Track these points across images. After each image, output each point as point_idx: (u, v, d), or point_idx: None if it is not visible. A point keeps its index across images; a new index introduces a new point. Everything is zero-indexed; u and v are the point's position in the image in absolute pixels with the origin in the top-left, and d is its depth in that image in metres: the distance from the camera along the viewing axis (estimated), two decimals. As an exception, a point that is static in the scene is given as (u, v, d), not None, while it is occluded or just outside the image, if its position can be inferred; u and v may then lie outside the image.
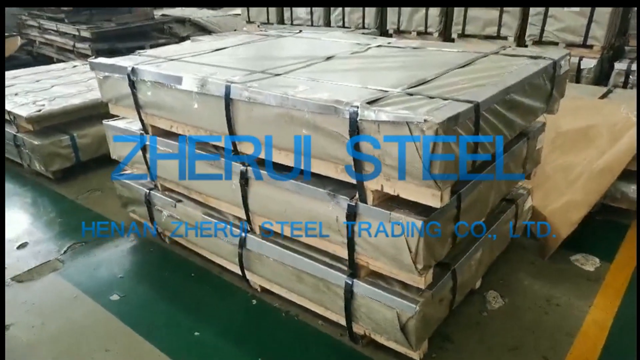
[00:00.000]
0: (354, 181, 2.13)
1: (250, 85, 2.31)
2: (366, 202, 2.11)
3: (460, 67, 2.49)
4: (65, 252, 3.42)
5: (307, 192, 2.32)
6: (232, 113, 2.40)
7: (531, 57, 2.61)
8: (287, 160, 2.34)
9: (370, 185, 2.06)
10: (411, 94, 2.06)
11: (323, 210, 2.29)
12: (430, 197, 1.89)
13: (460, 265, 2.42)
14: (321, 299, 2.53)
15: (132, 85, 2.88)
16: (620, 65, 4.89)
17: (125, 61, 2.97)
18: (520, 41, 5.58)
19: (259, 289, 2.93)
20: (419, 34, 6.26)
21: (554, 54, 2.66)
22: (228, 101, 2.38)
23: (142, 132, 3.12)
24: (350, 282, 2.33)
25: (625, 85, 4.90)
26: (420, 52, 2.91)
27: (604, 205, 3.46)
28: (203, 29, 9.34)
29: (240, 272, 2.91)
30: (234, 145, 2.51)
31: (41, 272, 3.22)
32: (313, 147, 2.16)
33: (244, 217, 2.73)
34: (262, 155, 2.45)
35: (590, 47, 5.06)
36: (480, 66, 2.49)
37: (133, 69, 2.83)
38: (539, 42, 5.35)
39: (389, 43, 3.24)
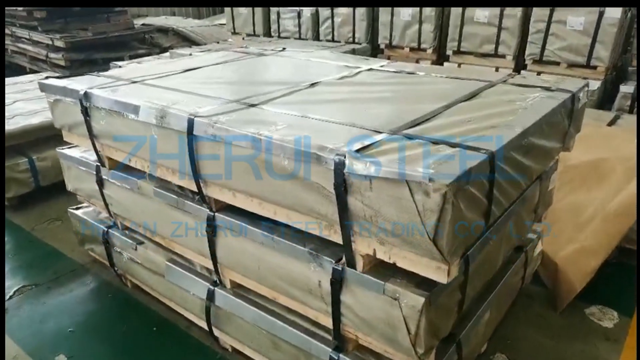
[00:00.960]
0: (336, 240, 1.76)
1: (217, 120, 1.92)
2: (355, 268, 1.73)
3: (465, 100, 2.13)
4: (11, 297, 2.99)
5: (284, 248, 1.94)
6: (196, 152, 2.02)
7: (545, 88, 2.26)
8: (260, 209, 1.96)
9: (361, 248, 1.68)
10: (410, 137, 1.69)
11: (303, 271, 1.90)
12: (435, 271, 1.52)
13: (466, 333, 2.04)
14: (301, 370, 2.14)
15: (85, 111, 2.48)
16: (625, 88, 4.60)
17: (78, 84, 2.57)
18: (519, 60, 5.29)
19: (230, 349, 2.53)
20: (412, 49, 5.95)
21: (570, 84, 2.31)
22: (191, 138, 1.99)
23: (98, 163, 2.72)
24: (336, 358, 1.94)
25: (631, 109, 4.61)
26: (417, 78, 2.55)
27: (619, 247, 3.12)
28: (187, 40, 8.95)
29: (208, 329, 2.51)
30: (199, 188, 2.12)
31: (-20, 322, 2.79)
32: (291, 199, 1.78)
33: (212, 267, 2.34)
34: (231, 202, 2.07)
35: (594, 67, 4.77)
36: (487, 100, 2.14)
37: (86, 94, 2.43)
38: (540, 61, 5.06)
39: (382, 66, 2.88)
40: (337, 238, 1.74)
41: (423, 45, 5.83)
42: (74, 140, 2.80)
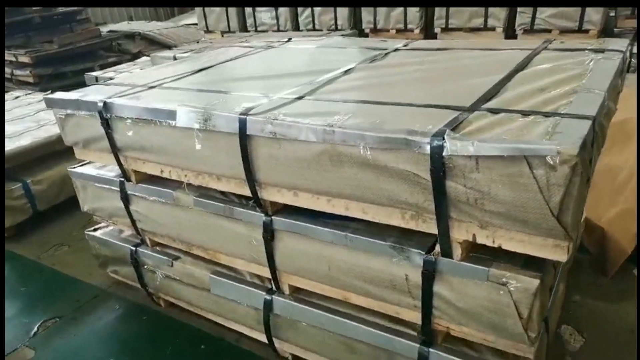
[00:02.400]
0: (424, 229, 1.65)
1: (274, 116, 1.77)
2: (451, 257, 1.63)
3: (520, 70, 2.04)
4: (35, 334, 2.76)
5: (361, 245, 1.81)
6: (251, 153, 1.86)
7: (595, 50, 2.20)
8: (329, 207, 1.83)
9: (458, 235, 1.58)
10: (494, 111, 1.59)
11: (384, 266, 1.79)
12: (552, 250, 1.43)
13: (550, 310, 1.97)
14: (381, 370, 2.03)
15: (106, 124, 2.28)
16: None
17: (92, 94, 2.36)
18: (509, 31, 5.28)
19: (290, 358, 2.39)
20: (398, 31, 5.86)
21: (617, 44, 2.27)
22: (244, 139, 1.84)
23: (122, 179, 2.51)
24: (426, 353, 1.83)
25: (627, 69, 4.64)
26: (456, 54, 2.45)
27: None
28: (156, 43, 8.59)
29: (265, 340, 2.37)
30: (254, 191, 1.97)
31: (8, 366, 2.57)
32: (370, 191, 1.65)
33: (268, 275, 2.20)
34: (292, 202, 1.92)
35: (587, 31, 4.80)
36: (543, 67, 2.06)
37: (105, 104, 2.23)
38: (530, 30, 5.06)
39: (405, 46, 2.78)
40: (425, 227, 1.64)
41: (410, 26, 5.75)
42: (90, 156, 2.59)
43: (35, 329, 2.79)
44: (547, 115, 1.51)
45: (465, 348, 1.82)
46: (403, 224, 1.69)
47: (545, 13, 4.88)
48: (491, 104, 1.67)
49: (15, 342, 2.70)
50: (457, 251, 1.60)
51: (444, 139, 1.42)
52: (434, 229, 1.61)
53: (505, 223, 1.44)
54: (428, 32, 5.78)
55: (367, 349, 2.01)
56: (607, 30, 5.41)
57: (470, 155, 1.38)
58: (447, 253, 1.62)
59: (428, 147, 1.45)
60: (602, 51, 2.17)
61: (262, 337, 2.38)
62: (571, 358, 2.26)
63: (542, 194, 1.32)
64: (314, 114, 1.77)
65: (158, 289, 2.75)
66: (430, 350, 1.83)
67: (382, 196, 1.64)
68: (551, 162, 1.27)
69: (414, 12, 5.64)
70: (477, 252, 1.65)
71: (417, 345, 1.85)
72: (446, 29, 5.54)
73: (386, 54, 2.61)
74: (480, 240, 1.54)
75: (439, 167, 1.45)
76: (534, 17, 4.95)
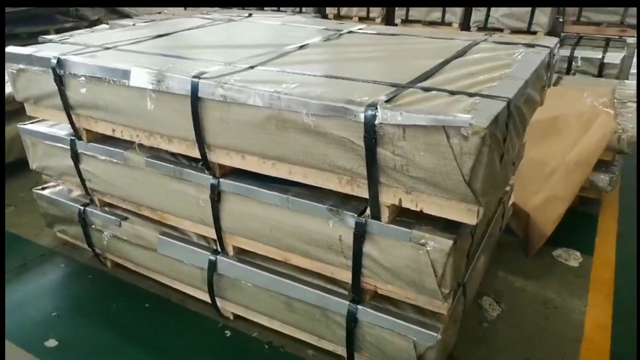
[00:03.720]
0: (358, 194, 1.80)
1: (226, 80, 1.87)
2: (379, 219, 1.79)
3: (458, 57, 2.22)
4: (-24, 288, 2.76)
5: (301, 207, 1.95)
6: (202, 116, 1.96)
7: (527, 45, 2.40)
8: (273, 170, 1.95)
9: (386, 199, 1.74)
10: (427, 89, 1.75)
11: (322, 228, 1.93)
12: (465, 213, 1.61)
13: (469, 277, 2.18)
14: (314, 327, 2.18)
15: (59, 80, 2.31)
16: (562, 52, 4.94)
17: (47, 50, 2.38)
18: (464, 27, 5.50)
19: (231, 317, 2.51)
20: (361, 19, 5.99)
21: (547, 41, 2.48)
22: (196, 101, 1.93)
23: (73, 137, 2.55)
24: (354, 310, 2.00)
25: (568, 71, 4.99)
26: (403, 39, 2.61)
27: (579, 195, 3.39)
28: (116, 12, 8.39)
29: (209, 300, 2.48)
30: (204, 154, 2.07)
31: (-54, 317, 2.56)
32: (310, 156, 1.79)
33: (214, 236, 2.31)
34: (240, 165, 2.03)
35: (534, 33, 5.08)
36: (478, 56, 2.24)
37: (59, 61, 2.26)
38: (484, 28, 5.30)
39: (360, 29, 2.92)
40: (359, 191, 1.79)
41: (372, 15, 5.89)
42: (42, 114, 2.60)
43: (-23, 283, 2.80)
44: (470, 95, 1.68)
45: (390, 306, 2.00)
46: (340, 189, 1.83)
47: (498, 12, 5.13)
48: (425, 84, 1.83)
49: (-45, 295, 2.70)
50: (385, 214, 1.77)
51: (376, 108, 1.57)
52: (366, 194, 1.76)
53: (426, 188, 1.61)
54: (389, 23, 5.95)
55: (304, 307, 2.16)
56: (553, 34, 5.74)
57: (398, 124, 1.54)
58: (376, 216, 1.79)
59: (362, 116, 1.59)
60: (532, 46, 2.37)
61: (206, 297, 2.49)
62: (488, 324, 2.49)
63: (457, 162, 1.49)
64: (263, 81, 1.88)
65: (105, 249, 2.80)
66: (359, 307, 2.00)
67: (322, 161, 1.78)
68: (464, 133, 1.44)
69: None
70: (403, 217, 1.82)
71: (347, 303, 2.01)
72: (406, 21, 5.72)
73: (340, 35, 2.74)
74: (405, 204, 1.71)
75: (371, 134, 1.59)
76: (487, 16, 5.20)
